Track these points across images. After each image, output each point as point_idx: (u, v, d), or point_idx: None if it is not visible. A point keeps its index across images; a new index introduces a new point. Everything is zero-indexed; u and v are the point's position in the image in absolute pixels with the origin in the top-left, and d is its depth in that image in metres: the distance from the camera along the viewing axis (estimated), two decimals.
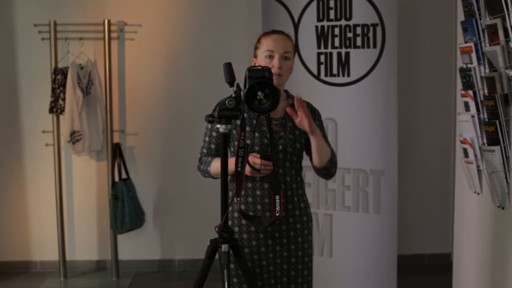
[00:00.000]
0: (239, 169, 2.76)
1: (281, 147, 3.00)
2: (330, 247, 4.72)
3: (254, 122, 2.97)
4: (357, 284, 4.72)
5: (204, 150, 3.11)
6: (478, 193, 3.71)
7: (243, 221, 3.00)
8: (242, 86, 2.70)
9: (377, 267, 4.70)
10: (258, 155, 2.91)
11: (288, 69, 3.03)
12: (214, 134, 3.08)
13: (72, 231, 5.80)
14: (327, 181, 4.69)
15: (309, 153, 3.07)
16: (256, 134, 2.97)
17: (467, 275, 3.97)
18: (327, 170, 3.05)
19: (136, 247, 5.84)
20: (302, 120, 2.84)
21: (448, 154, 5.82)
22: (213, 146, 3.09)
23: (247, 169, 2.88)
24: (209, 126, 3.09)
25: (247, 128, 2.91)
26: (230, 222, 3.02)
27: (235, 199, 2.90)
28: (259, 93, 2.61)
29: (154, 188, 5.82)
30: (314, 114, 3.14)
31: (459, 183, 4.11)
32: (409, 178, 5.76)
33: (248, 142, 2.93)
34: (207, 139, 3.10)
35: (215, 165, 2.99)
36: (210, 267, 2.73)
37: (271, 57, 2.99)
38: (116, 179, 5.54)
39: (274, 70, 2.93)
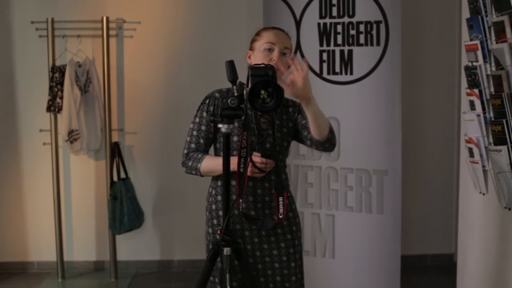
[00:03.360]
0: (241, 170, 2.70)
1: (268, 145, 2.93)
2: (333, 248, 4.68)
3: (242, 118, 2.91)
4: (360, 285, 4.68)
5: (192, 146, 3.00)
6: (484, 194, 3.66)
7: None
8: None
9: (380, 268, 4.66)
10: (259, 154, 2.85)
11: (285, 65, 2.95)
12: (203, 128, 2.99)
13: (70, 232, 5.75)
14: (329, 181, 4.65)
15: (303, 134, 2.98)
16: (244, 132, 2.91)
17: (472, 276, 3.93)
18: (330, 142, 2.90)
19: (135, 247, 5.79)
20: (295, 84, 2.66)
21: (452, 153, 5.78)
22: (202, 141, 3.00)
23: (249, 170, 2.83)
24: (197, 119, 3.01)
25: (235, 124, 2.82)
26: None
27: (237, 200, 2.85)
28: (263, 92, 2.55)
29: (153, 188, 5.78)
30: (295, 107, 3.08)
31: (463, 183, 4.06)
32: (411, 178, 5.71)
33: (235, 139, 2.88)
34: (195, 133, 3.01)
35: (208, 163, 2.92)
36: (212, 270, 2.69)
37: (270, 50, 2.92)
38: (115, 178, 5.49)
39: (272, 63, 2.86)
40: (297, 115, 3.02)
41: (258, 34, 3.00)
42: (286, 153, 3.07)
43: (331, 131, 2.88)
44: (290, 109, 3.04)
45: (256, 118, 2.93)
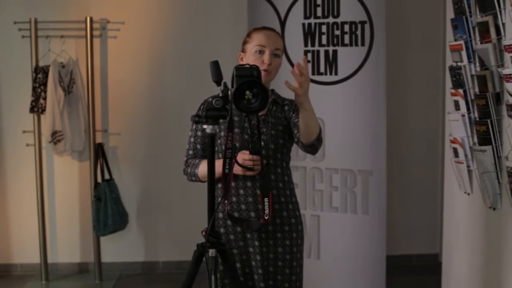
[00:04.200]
0: (226, 170, 2.67)
1: (262, 143, 2.91)
2: (318, 249, 4.67)
3: (235, 118, 2.88)
4: (345, 286, 4.67)
5: (190, 152, 3.01)
6: (468, 194, 3.66)
7: (229, 222, 2.92)
8: (229, 85, 2.62)
9: (366, 268, 4.65)
10: (247, 152, 2.82)
11: (277, 67, 2.95)
12: (199, 133, 2.99)
13: (54, 233, 5.70)
14: (315, 182, 4.64)
15: (293, 132, 2.96)
16: (237, 130, 2.88)
17: (457, 276, 3.93)
18: (313, 147, 2.87)
19: (119, 249, 5.75)
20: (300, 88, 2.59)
21: (436, 153, 5.78)
22: (199, 147, 3.00)
23: (239, 169, 2.81)
24: (194, 126, 3.00)
25: (236, 130, 2.81)
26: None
27: (222, 202, 2.83)
28: (247, 92, 2.53)
29: (138, 189, 5.74)
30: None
31: (448, 183, 4.06)
32: (396, 178, 5.70)
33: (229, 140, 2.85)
34: (192, 140, 3.01)
35: (204, 167, 2.87)
36: (197, 272, 2.66)
37: (261, 52, 2.90)
38: (99, 180, 5.46)
39: (264, 66, 2.86)
40: (292, 113, 2.99)
41: (249, 35, 2.98)
42: (285, 152, 3.02)
43: (318, 138, 2.83)
44: (286, 108, 3.02)
45: (248, 117, 2.91)
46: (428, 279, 5.41)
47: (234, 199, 2.92)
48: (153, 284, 5.50)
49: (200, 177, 2.95)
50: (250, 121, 2.91)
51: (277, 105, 3.01)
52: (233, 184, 2.90)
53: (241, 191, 2.92)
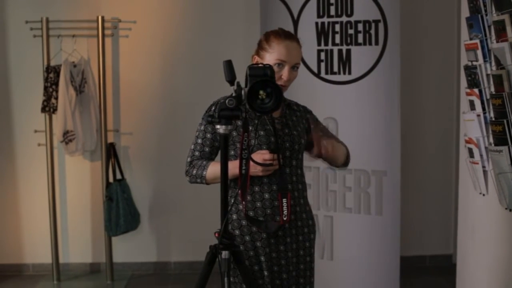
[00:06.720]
0: (243, 171, 2.63)
1: (288, 144, 2.88)
2: (331, 250, 4.65)
3: (256, 121, 2.83)
4: (358, 287, 4.64)
5: (197, 153, 2.90)
6: (484, 194, 3.62)
7: (243, 222, 2.86)
8: (242, 85, 2.59)
9: (379, 269, 4.62)
10: (265, 151, 2.77)
11: (293, 79, 2.89)
12: (209, 136, 2.89)
13: (66, 233, 5.71)
14: (328, 182, 4.62)
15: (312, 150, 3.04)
16: (262, 133, 2.83)
17: (471, 278, 3.89)
18: (345, 165, 3.10)
19: (131, 249, 5.75)
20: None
21: (451, 153, 5.74)
22: (207, 149, 2.90)
23: (259, 168, 2.76)
24: (202, 127, 2.91)
25: (250, 128, 2.77)
26: (229, 226, 2.89)
27: (238, 204, 2.81)
28: (261, 92, 2.49)
29: (149, 189, 5.73)
30: (306, 112, 3.07)
31: (463, 184, 4.02)
32: (410, 179, 5.67)
33: (252, 142, 2.80)
34: (199, 141, 2.91)
35: (214, 169, 2.81)
36: (210, 274, 2.63)
37: (280, 65, 2.83)
38: (111, 179, 5.45)
39: (281, 82, 2.81)
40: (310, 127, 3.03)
41: (268, 43, 2.87)
42: (303, 154, 3.01)
43: (347, 157, 3.04)
44: (298, 114, 3.02)
45: (272, 119, 2.84)
46: (442, 280, 5.40)
47: (258, 204, 2.85)
48: (165, 285, 5.50)
49: (208, 179, 2.86)
50: (273, 124, 2.84)
51: (289, 109, 2.99)
52: (257, 188, 2.85)
53: (267, 195, 2.85)
